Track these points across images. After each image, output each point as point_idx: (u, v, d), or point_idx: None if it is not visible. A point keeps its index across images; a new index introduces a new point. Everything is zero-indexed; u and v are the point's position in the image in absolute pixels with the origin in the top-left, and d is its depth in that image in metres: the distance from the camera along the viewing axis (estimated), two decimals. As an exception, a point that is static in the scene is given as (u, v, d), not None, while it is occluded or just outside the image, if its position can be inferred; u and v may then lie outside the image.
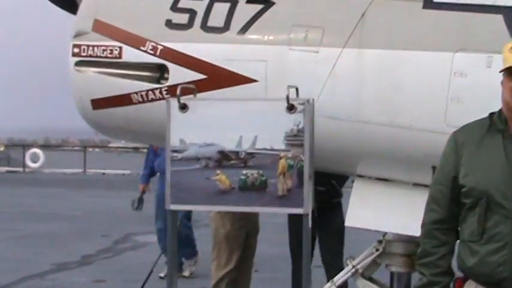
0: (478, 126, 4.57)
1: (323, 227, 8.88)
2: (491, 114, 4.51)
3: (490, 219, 4.32)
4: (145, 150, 37.85)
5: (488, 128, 4.47)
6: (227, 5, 6.34)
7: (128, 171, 37.01)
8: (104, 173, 37.51)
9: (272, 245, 12.10)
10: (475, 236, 4.39)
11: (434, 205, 4.65)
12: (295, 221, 8.26)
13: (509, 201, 4.22)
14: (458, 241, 4.65)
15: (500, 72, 4.37)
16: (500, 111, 4.45)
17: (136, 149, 44.20)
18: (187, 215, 11.81)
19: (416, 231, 5.05)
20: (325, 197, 8.54)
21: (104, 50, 6.59)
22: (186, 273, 11.83)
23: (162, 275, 10.82)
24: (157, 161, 12.05)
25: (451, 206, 4.57)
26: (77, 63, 6.70)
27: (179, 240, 10.26)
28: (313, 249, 8.35)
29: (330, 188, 8.84)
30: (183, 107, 5.76)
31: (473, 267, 4.37)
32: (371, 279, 6.60)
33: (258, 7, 6.30)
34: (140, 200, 12.64)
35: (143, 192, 12.76)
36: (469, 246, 4.44)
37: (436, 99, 5.58)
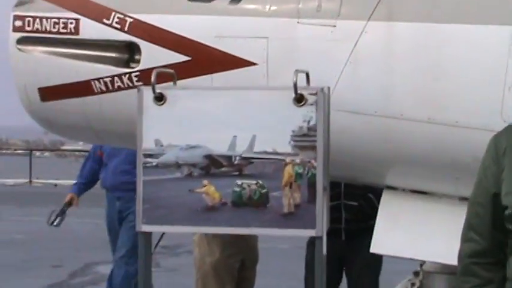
0: None
1: (353, 255, 8.65)
2: None
3: None
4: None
5: None
6: (216, -34, 6.38)
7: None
8: (55, 184, 37.42)
9: (277, 277, 12.14)
10: None
11: (472, 233, 4.28)
12: (313, 246, 7.92)
13: None
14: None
15: None
16: None
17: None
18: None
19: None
20: (358, 215, 8.39)
21: (55, 24, 6.61)
22: None
23: None
24: (103, 173, 11.51)
25: (494, 233, 4.17)
26: (20, 41, 6.71)
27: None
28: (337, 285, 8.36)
29: (365, 203, 8.50)
30: (160, 98, 5.77)
31: None
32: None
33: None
34: (62, 213, 12.06)
35: (69, 204, 12.26)
36: None
37: (490, 87, 5.60)
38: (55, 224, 11.45)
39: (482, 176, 4.28)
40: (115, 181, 10.66)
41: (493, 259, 4.17)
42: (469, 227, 4.28)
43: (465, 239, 4.30)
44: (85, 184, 11.85)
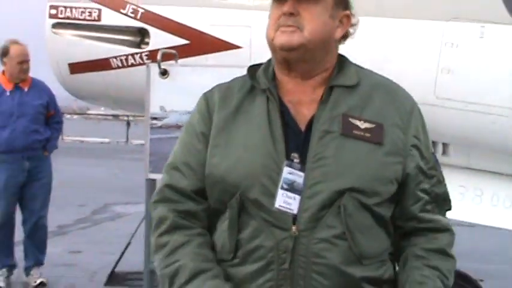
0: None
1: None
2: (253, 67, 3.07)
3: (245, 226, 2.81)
4: (125, 117, 37.72)
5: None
6: (211, -36, 6.38)
7: (107, 140, 37.04)
8: (82, 141, 37.43)
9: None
10: (226, 254, 2.84)
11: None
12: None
13: (270, 198, 2.74)
14: None
15: None
16: (267, 63, 3.04)
17: (116, 116, 44.17)
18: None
19: None
20: None
21: (82, 12, 6.58)
22: (34, 281, 9.45)
23: None
24: (4, 134, 9.07)
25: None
26: (54, 26, 6.69)
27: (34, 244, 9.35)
28: None
29: None
30: (164, 73, 5.76)
31: None
32: None
33: (243, -32, 6.34)
34: None
35: None
36: (223, 268, 2.84)
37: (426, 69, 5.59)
38: None
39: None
40: (27, 140, 9.11)
41: None
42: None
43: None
44: None
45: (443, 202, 2.92)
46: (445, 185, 2.94)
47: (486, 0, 5.75)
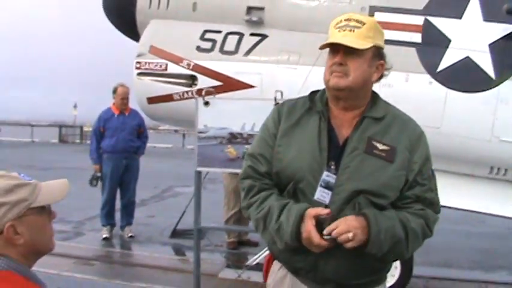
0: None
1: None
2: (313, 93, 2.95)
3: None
4: (182, 131, 37.61)
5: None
6: (236, 37, 6.41)
7: (170, 145, 37.00)
8: (155, 147, 37.49)
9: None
10: None
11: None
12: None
13: (312, 190, 2.69)
14: None
15: (322, 48, 2.76)
16: (323, 92, 2.89)
17: (176, 130, 44.08)
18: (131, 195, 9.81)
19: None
20: None
21: (155, 65, 6.62)
22: (126, 234, 9.65)
23: (104, 236, 9.45)
24: (111, 142, 9.43)
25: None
26: (138, 74, 6.75)
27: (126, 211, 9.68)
28: None
29: None
30: (206, 103, 5.76)
31: (275, 253, 2.88)
32: None
33: (257, 38, 6.36)
34: (98, 178, 9.58)
35: (100, 171, 9.59)
36: None
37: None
38: (95, 185, 9.52)
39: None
40: (125, 146, 9.43)
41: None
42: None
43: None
44: (99, 154, 9.52)
45: (430, 205, 2.74)
46: (435, 193, 2.78)
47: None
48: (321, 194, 2.65)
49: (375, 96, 2.84)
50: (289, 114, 2.84)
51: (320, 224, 2.53)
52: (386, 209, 2.64)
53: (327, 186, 2.65)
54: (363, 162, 2.65)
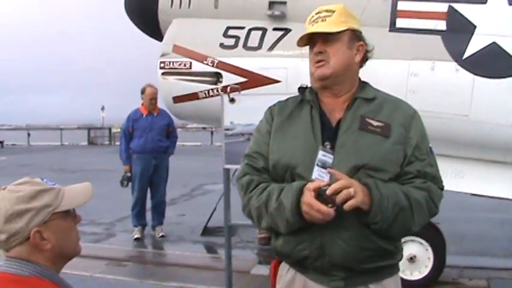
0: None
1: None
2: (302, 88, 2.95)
3: None
4: (210, 129, 37.77)
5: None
6: (260, 32, 6.42)
7: (199, 143, 37.11)
8: (183, 145, 37.54)
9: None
10: None
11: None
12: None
13: (310, 172, 2.64)
14: None
15: (300, 45, 2.84)
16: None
17: (204, 128, 44.16)
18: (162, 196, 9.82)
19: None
20: None
21: (179, 64, 6.64)
22: (157, 234, 9.66)
23: (136, 236, 9.48)
24: (140, 142, 9.44)
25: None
26: (163, 73, 6.78)
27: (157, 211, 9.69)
28: None
29: None
30: (232, 100, 5.75)
31: (278, 247, 2.79)
32: None
33: (280, 33, 6.36)
34: (129, 178, 9.58)
35: (130, 171, 9.60)
36: None
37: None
38: (125, 185, 9.53)
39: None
40: (154, 146, 9.42)
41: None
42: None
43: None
44: (129, 155, 9.53)
45: (432, 179, 2.69)
46: (436, 168, 2.73)
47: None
48: (319, 174, 2.60)
49: (363, 82, 2.85)
50: (281, 110, 2.86)
51: (321, 196, 2.48)
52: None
53: (324, 165, 2.61)
54: (359, 138, 2.64)
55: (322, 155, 2.62)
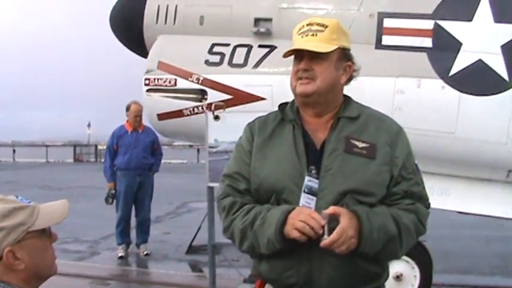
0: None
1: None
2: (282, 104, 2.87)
3: None
4: (196, 146, 37.77)
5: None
6: (245, 49, 6.34)
7: (185, 161, 37.07)
8: (169, 162, 37.52)
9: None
10: None
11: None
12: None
13: (296, 198, 2.56)
14: None
15: (286, 56, 2.74)
16: (293, 101, 2.82)
17: (190, 145, 44.12)
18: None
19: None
20: None
21: (164, 81, 6.57)
22: (142, 252, 9.56)
23: (120, 254, 9.39)
24: (124, 158, 9.37)
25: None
26: (148, 90, 6.70)
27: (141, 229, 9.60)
28: None
29: None
30: (216, 117, 5.72)
31: (263, 272, 2.70)
32: None
33: (266, 50, 6.30)
34: (113, 196, 9.45)
35: (114, 188, 9.48)
36: None
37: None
38: (110, 202, 9.38)
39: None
40: (139, 163, 9.35)
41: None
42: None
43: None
44: (113, 172, 9.44)
45: (419, 199, 2.63)
46: (422, 186, 2.68)
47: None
48: (306, 201, 2.53)
49: (347, 98, 2.76)
50: (262, 129, 2.76)
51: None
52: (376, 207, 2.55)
53: (311, 191, 2.54)
54: (345, 162, 2.56)
55: (308, 180, 2.55)
